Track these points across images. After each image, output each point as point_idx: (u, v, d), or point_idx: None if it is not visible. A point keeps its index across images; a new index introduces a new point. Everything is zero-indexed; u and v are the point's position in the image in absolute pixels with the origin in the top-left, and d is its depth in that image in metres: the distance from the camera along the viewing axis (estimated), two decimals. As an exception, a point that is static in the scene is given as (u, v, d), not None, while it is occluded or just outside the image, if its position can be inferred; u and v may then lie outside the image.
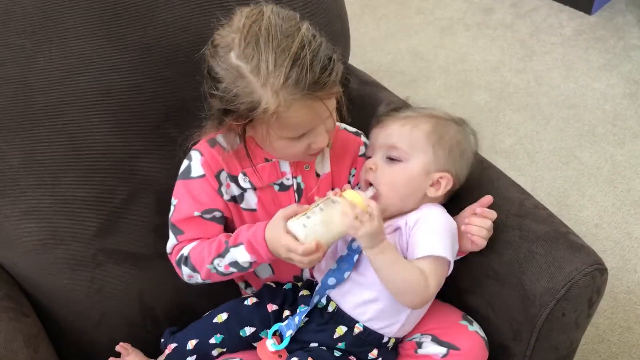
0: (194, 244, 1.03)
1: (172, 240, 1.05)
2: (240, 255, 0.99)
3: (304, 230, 0.92)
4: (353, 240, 1.02)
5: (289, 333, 1.01)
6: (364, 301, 1.01)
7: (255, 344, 1.06)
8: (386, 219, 1.04)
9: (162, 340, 1.12)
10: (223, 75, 0.91)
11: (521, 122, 2.14)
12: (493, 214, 1.02)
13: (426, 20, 2.58)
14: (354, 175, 1.12)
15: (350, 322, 1.02)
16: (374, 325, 1.02)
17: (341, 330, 1.02)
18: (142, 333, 1.17)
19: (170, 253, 1.06)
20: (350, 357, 1.03)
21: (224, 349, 1.07)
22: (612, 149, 2.03)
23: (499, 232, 1.04)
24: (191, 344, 1.06)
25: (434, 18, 2.59)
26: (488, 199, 1.03)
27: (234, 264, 1.00)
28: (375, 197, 1.02)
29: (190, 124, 1.05)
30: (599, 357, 1.56)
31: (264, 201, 1.05)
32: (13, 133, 1.02)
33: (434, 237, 0.97)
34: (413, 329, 1.07)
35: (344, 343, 1.02)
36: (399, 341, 1.07)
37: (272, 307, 1.06)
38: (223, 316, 1.07)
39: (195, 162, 1.03)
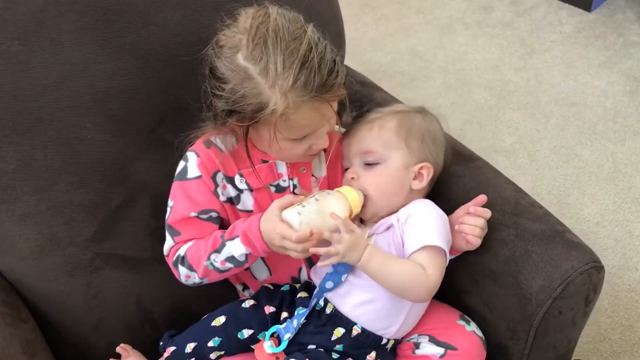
0: (190, 243, 1.03)
1: (168, 242, 1.05)
2: (236, 248, 0.98)
3: (299, 218, 0.93)
4: None
5: (287, 336, 1.01)
6: (362, 302, 1.01)
7: (253, 347, 1.06)
8: (377, 219, 1.05)
9: (161, 343, 1.12)
10: (229, 76, 0.91)
11: (521, 121, 2.13)
12: (487, 213, 1.02)
13: (425, 20, 2.58)
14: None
15: (348, 323, 1.02)
16: (373, 327, 1.02)
17: (339, 332, 1.02)
18: (140, 337, 1.17)
19: (167, 255, 1.06)
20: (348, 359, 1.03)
21: (222, 352, 1.07)
22: (612, 147, 2.03)
23: (495, 231, 1.04)
24: (189, 347, 1.06)
25: (433, 17, 2.58)
26: (482, 198, 1.03)
27: (230, 258, 0.99)
28: (363, 206, 1.03)
29: (186, 127, 1.05)
30: (600, 356, 1.55)
31: (260, 202, 1.05)
32: (8, 139, 1.02)
33: (425, 228, 0.98)
34: (411, 329, 1.07)
35: (342, 345, 1.02)
36: (397, 342, 1.07)
37: (269, 309, 1.06)
38: (221, 319, 1.07)
39: (192, 163, 1.03)
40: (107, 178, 1.09)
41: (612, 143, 2.04)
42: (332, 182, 1.11)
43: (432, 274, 0.95)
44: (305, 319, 1.02)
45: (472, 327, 1.06)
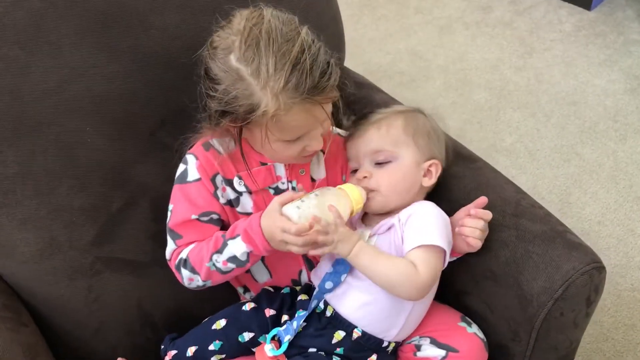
0: (192, 246, 1.03)
1: (170, 246, 1.05)
2: (238, 247, 0.98)
3: (297, 212, 0.93)
4: None
5: (287, 338, 1.01)
6: (362, 304, 1.01)
7: (254, 349, 1.05)
8: (380, 218, 1.05)
9: (162, 347, 1.12)
10: (222, 77, 0.91)
11: (522, 120, 2.13)
12: (487, 215, 1.02)
13: (425, 20, 2.58)
14: (345, 181, 1.12)
15: (348, 326, 1.01)
16: (373, 330, 1.02)
17: (339, 335, 1.01)
18: (141, 340, 1.17)
19: (169, 259, 1.05)
20: (348, 362, 1.03)
21: (223, 355, 1.07)
22: (613, 145, 2.02)
23: (496, 232, 1.03)
24: (190, 350, 1.06)
25: (432, 17, 2.58)
26: (482, 199, 1.03)
27: (232, 258, 0.99)
28: (371, 197, 1.04)
29: (185, 130, 1.05)
30: (603, 356, 1.55)
31: (259, 205, 1.05)
32: (8, 143, 1.02)
33: (423, 228, 0.98)
34: (412, 331, 1.07)
35: (342, 348, 1.02)
36: (398, 345, 1.07)
37: (270, 312, 1.06)
38: (222, 322, 1.07)
39: (191, 166, 1.03)
40: (107, 182, 1.09)
41: (613, 142, 2.04)
42: (331, 184, 1.10)
43: (424, 272, 0.94)
44: (305, 321, 1.02)
45: (474, 329, 1.05)
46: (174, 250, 1.04)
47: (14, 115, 1.01)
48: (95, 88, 1.06)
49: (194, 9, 1.12)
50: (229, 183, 1.04)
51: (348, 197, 0.99)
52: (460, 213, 1.04)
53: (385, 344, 1.03)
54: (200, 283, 1.03)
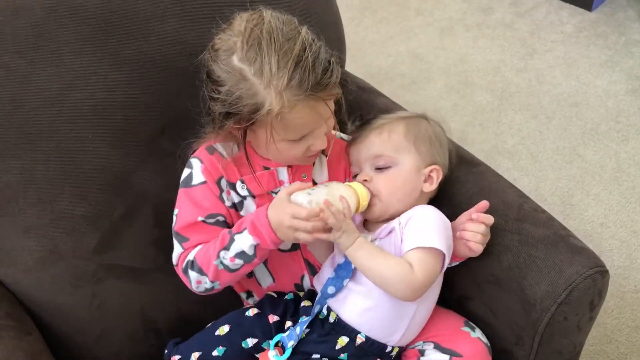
0: (198, 248, 1.02)
1: (177, 250, 1.04)
2: (245, 240, 0.97)
3: (308, 197, 0.94)
4: None
5: (290, 344, 1.01)
6: (364, 309, 1.01)
7: (257, 355, 1.05)
8: (381, 222, 1.06)
9: (166, 351, 1.11)
10: (225, 78, 0.92)
11: (523, 122, 2.13)
12: (489, 219, 1.02)
13: (426, 22, 2.57)
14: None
15: (351, 332, 1.01)
16: (376, 335, 1.02)
17: (343, 341, 1.01)
18: (144, 347, 1.17)
19: (177, 264, 1.05)
20: (352, 368, 1.02)
21: (227, 361, 1.07)
22: (616, 147, 2.02)
23: (498, 237, 1.03)
24: (194, 356, 1.06)
25: (433, 19, 2.58)
26: (484, 204, 1.03)
27: (240, 254, 0.98)
28: (372, 205, 1.04)
29: (187, 137, 1.05)
30: (607, 358, 1.55)
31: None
32: (10, 152, 1.02)
33: (422, 231, 0.98)
34: (415, 336, 1.07)
35: (346, 354, 1.02)
36: (402, 350, 1.07)
37: (273, 318, 1.06)
38: (225, 328, 1.07)
39: (196, 170, 1.04)
40: (109, 189, 1.10)
41: (615, 143, 2.03)
42: None
43: (419, 273, 0.94)
44: (308, 327, 1.02)
45: (477, 333, 1.05)
46: (181, 254, 1.03)
47: (16, 123, 1.02)
48: (96, 96, 1.06)
49: (193, 15, 1.13)
50: (233, 187, 1.04)
51: (355, 192, 1.00)
52: (462, 218, 1.04)
53: (388, 348, 1.03)
54: (209, 285, 1.02)
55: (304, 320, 1.03)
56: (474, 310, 1.08)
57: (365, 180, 1.05)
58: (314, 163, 1.09)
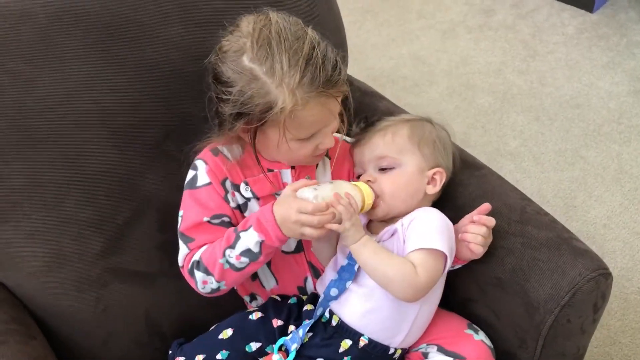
0: (204, 248, 1.02)
1: (183, 250, 1.04)
2: (250, 238, 0.97)
3: (314, 193, 0.95)
4: None
5: (293, 347, 1.01)
6: (366, 311, 1.01)
7: (261, 359, 1.06)
8: (384, 225, 1.06)
9: (170, 352, 1.12)
10: (235, 78, 0.93)
11: (526, 124, 2.13)
12: (491, 221, 1.02)
13: (427, 24, 2.58)
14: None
15: (354, 335, 1.02)
16: (379, 337, 1.02)
17: (346, 344, 1.02)
18: (149, 351, 1.17)
19: (182, 266, 1.04)
20: (356, 371, 1.03)
21: (231, 365, 1.07)
22: (618, 148, 2.02)
23: (501, 240, 1.04)
24: (198, 358, 1.06)
25: (435, 22, 2.58)
26: (486, 206, 1.04)
27: (246, 252, 0.98)
28: (375, 206, 1.05)
29: (191, 140, 1.06)
30: (610, 360, 1.55)
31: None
32: (14, 156, 1.03)
33: (424, 232, 0.99)
34: (419, 339, 1.07)
35: (349, 357, 1.02)
36: (405, 352, 1.07)
37: (277, 322, 1.07)
38: (228, 332, 1.07)
39: (201, 171, 1.04)
40: (114, 193, 1.10)
41: (618, 144, 2.03)
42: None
43: (422, 274, 0.95)
44: (311, 331, 1.03)
45: (481, 336, 1.06)
46: (187, 255, 1.03)
47: (21, 128, 1.02)
48: (100, 100, 1.07)
49: (196, 20, 1.13)
50: (237, 188, 1.05)
51: (361, 191, 1.01)
52: (464, 220, 1.05)
53: (391, 350, 1.03)
54: (215, 285, 1.02)
55: (307, 323, 1.03)
56: (477, 313, 1.08)
57: (369, 181, 1.06)
58: (317, 165, 1.10)
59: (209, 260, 1.00)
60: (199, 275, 1.01)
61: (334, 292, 1.02)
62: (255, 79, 0.92)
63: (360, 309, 1.02)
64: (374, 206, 1.04)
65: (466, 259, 1.05)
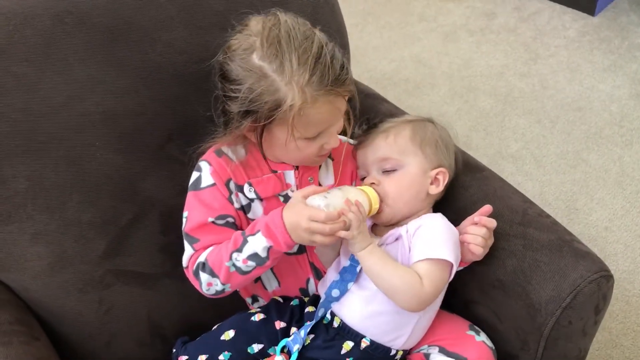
0: (210, 249, 1.02)
1: (188, 251, 1.04)
2: (258, 242, 0.98)
3: (325, 201, 0.95)
4: None
5: (296, 347, 1.02)
6: (368, 314, 1.02)
7: (263, 361, 1.06)
8: (388, 229, 1.06)
9: (174, 350, 1.12)
10: (244, 76, 0.94)
11: (527, 127, 2.14)
12: (492, 222, 1.02)
13: (429, 27, 2.58)
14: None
15: (356, 336, 1.02)
16: (381, 339, 1.02)
17: (348, 345, 1.02)
18: (152, 352, 1.18)
19: (187, 266, 1.04)
20: (358, 372, 1.03)
21: (234, 365, 1.07)
22: (619, 151, 2.02)
23: (503, 242, 1.04)
24: (201, 358, 1.07)
25: (436, 24, 2.59)
26: (487, 208, 1.04)
27: (253, 256, 0.98)
28: (380, 209, 1.05)
29: (193, 143, 1.06)
30: (612, 362, 1.55)
31: (270, 212, 1.06)
32: (18, 159, 1.03)
33: (431, 241, 0.99)
34: (420, 340, 1.07)
35: (351, 358, 1.02)
36: (406, 353, 1.07)
37: (280, 324, 1.07)
38: (230, 333, 1.07)
39: (205, 173, 1.05)
40: (117, 195, 1.10)
41: (619, 147, 2.04)
42: None
43: (428, 286, 0.95)
44: (313, 333, 1.03)
45: (482, 337, 1.06)
46: (192, 256, 1.03)
47: (25, 131, 1.03)
48: (103, 103, 1.07)
49: (199, 23, 1.14)
50: (240, 189, 1.05)
51: (368, 196, 1.01)
52: (466, 222, 1.05)
53: (393, 352, 1.03)
54: (220, 287, 1.02)
55: (308, 324, 1.04)
56: (479, 315, 1.09)
57: (373, 184, 1.06)
58: (320, 166, 1.11)
59: (215, 262, 1.00)
60: (204, 277, 1.02)
61: (335, 293, 1.03)
62: (265, 77, 0.93)
63: (362, 311, 1.02)
64: (379, 210, 1.04)
65: (467, 261, 1.05)
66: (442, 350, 1.04)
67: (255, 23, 0.97)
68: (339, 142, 1.04)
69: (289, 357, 1.02)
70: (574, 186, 1.94)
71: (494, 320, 1.06)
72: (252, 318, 1.08)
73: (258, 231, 0.99)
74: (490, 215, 1.03)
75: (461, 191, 1.13)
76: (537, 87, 2.27)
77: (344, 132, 1.05)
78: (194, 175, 1.06)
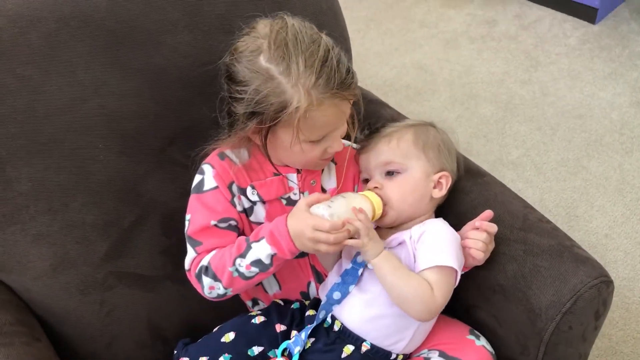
0: (213, 253, 1.03)
1: (190, 254, 1.05)
2: (262, 249, 0.98)
3: (329, 210, 0.95)
4: (357, 254, 1.04)
5: (297, 350, 1.02)
6: (369, 318, 1.02)
7: (263, 364, 1.06)
8: (391, 232, 1.06)
9: (175, 352, 1.12)
10: (251, 77, 0.95)
11: (528, 134, 2.14)
12: (492, 227, 1.03)
13: (430, 34, 2.60)
14: (357, 191, 1.14)
15: (357, 340, 1.02)
16: (381, 342, 1.02)
17: (348, 349, 1.02)
18: (153, 354, 1.18)
19: (189, 269, 1.05)
20: (358, 376, 1.03)
21: (235, 367, 1.07)
22: (620, 158, 2.03)
23: (504, 247, 1.04)
24: (203, 360, 1.07)
25: (438, 31, 2.60)
26: (488, 213, 1.05)
27: (256, 262, 0.99)
28: (384, 213, 1.05)
29: (196, 146, 1.07)
30: (612, 369, 1.55)
31: (272, 215, 1.06)
32: (22, 160, 1.03)
33: (438, 248, 0.99)
34: (420, 344, 1.07)
35: (352, 362, 1.02)
36: (407, 357, 1.07)
37: (280, 327, 1.07)
38: (230, 335, 1.07)
39: (208, 176, 1.05)
40: (119, 197, 1.11)
41: (619, 155, 2.04)
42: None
43: (439, 296, 0.96)
44: (314, 336, 1.03)
45: (482, 341, 1.06)
46: (194, 259, 1.04)
47: (28, 132, 1.03)
48: (107, 105, 1.08)
49: (203, 27, 1.14)
50: (243, 192, 1.06)
51: (371, 202, 1.02)
52: (467, 227, 1.06)
53: (393, 356, 1.03)
54: (222, 291, 1.03)
55: (309, 326, 1.04)
56: (479, 319, 1.09)
57: (376, 187, 1.06)
58: (322, 170, 1.11)
59: (218, 266, 1.01)
60: (206, 280, 1.02)
61: (336, 295, 1.03)
62: (271, 79, 0.94)
63: (363, 314, 1.02)
64: (382, 214, 1.05)
65: (468, 266, 1.06)
66: (443, 355, 1.04)
67: (263, 26, 0.98)
68: (343, 146, 1.04)
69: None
70: (574, 193, 1.94)
71: (494, 324, 1.06)
72: (253, 320, 1.09)
73: (262, 238, 0.99)
74: (491, 220, 1.04)
75: (462, 196, 1.13)
76: (538, 95, 2.28)
77: (347, 136, 1.06)
78: (197, 178, 1.07)
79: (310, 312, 1.08)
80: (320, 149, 1.01)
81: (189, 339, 1.13)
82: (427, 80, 2.39)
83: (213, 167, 1.06)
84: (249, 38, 0.98)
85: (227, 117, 1.02)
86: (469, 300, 1.10)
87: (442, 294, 0.96)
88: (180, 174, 1.12)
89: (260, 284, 1.13)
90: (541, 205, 1.91)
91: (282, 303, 1.13)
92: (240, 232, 1.07)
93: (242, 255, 0.99)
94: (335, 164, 1.13)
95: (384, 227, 1.09)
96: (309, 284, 1.14)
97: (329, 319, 1.04)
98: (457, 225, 1.06)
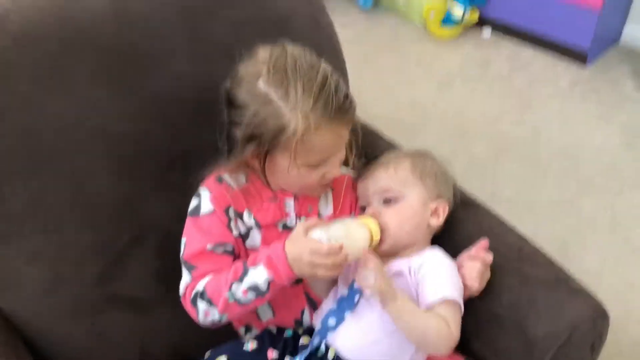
0: (208, 278, 1.01)
1: (185, 279, 1.03)
2: (259, 275, 0.97)
3: (327, 234, 0.95)
4: (354, 280, 1.03)
5: (289, 378, 1.00)
6: (364, 344, 1.00)
7: (255, 391, 1.04)
8: (389, 258, 1.06)
9: None
10: (250, 101, 0.96)
11: (520, 173, 2.16)
12: (488, 257, 1.03)
13: (424, 74, 2.64)
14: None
15: (351, 368, 1.01)
16: (376, 371, 1.01)
17: (343, 377, 1.01)
18: (142, 380, 1.16)
19: (183, 295, 1.03)
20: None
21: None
22: (611, 199, 2.05)
23: (499, 277, 1.04)
24: (194, 386, 1.05)
25: (432, 71, 2.64)
26: (484, 243, 1.05)
27: (253, 288, 0.97)
28: (381, 240, 1.05)
29: (195, 170, 1.07)
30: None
31: (268, 240, 1.06)
32: (19, 178, 1.03)
33: (443, 280, 0.99)
34: (415, 375, 1.06)
35: (345, 390, 1.01)
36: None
37: (272, 354, 1.06)
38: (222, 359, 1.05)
39: (205, 199, 1.05)
40: (116, 219, 1.10)
41: (611, 195, 2.06)
42: None
43: (454, 329, 0.97)
44: (306, 358, 1.01)
45: (478, 373, 1.05)
46: (189, 285, 1.02)
47: (27, 150, 1.03)
48: (107, 127, 1.08)
49: (205, 54, 1.16)
50: (240, 216, 1.06)
51: (369, 228, 1.02)
52: (462, 257, 1.06)
53: (388, 384, 1.02)
54: (217, 317, 1.01)
55: (302, 353, 1.02)
56: (474, 350, 1.08)
57: (374, 215, 1.06)
58: (319, 196, 1.11)
59: (214, 291, 1.00)
60: (202, 306, 1.01)
61: (332, 321, 1.02)
62: (270, 103, 0.95)
63: (359, 342, 1.01)
64: (380, 241, 1.05)
65: (464, 296, 1.05)
66: (437, 386, 1.03)
67: (263, 52, 1.00)
68: (341, 173, 1.05)
69: (283, 387, 1.00)
70: (566, 232, 1.95)
71: (490, 355, 1.06)
72: (245, 347, 1.07)
73: (259, 263, 0.98)
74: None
75: (458, 226, 1.13)
76: (530, 135, 2.31)
77: (346, 161, 1.07)
78: (194, 201, 1.06)
79: (304, 340, 1.07)
80: (319, 174, 1.01)
81: None
82: (421, 119, 2.41)
83: (210, 190, 1.05)
84: (249, 63, 1.00)
85: (227, 142, 1.02)
86: (465, 330, 1.08)
87: (456, 327, 0.97)
88: (178, 197, 1.11)
89: (254, 310, 1.12)
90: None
91: (274, 331, 1.12)
92: (236, 257, 1.06)
93: (239, 280, 0.98)
94: (333, 189, 1.13)
95: (382, 254, 1.09)
96: (302, 311, 1.12)
97: (322, 347, 1.03)
98: (452, 255, 1.06)
